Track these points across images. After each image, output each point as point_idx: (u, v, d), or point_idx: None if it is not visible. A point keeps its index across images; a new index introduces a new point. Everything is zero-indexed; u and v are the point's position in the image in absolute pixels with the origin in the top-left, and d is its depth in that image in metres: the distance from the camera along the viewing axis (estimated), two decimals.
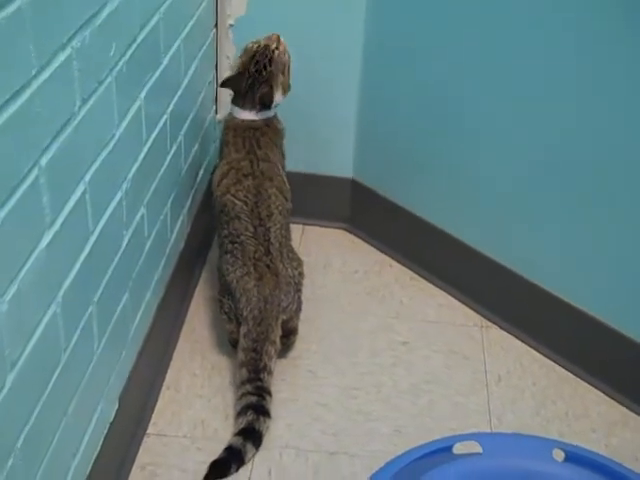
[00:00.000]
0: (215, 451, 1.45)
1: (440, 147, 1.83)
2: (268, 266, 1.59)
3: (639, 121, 1.48)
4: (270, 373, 1.53)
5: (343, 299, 1.88)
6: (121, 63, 1.22)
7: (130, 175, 1.33)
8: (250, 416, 1.46)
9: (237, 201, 1.64)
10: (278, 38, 1.70)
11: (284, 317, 1.59)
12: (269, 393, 1.51)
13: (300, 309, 1.66)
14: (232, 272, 1.60)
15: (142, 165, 1.38)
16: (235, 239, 1.62)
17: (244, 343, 1.54)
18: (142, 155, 1.38)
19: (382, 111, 1.91)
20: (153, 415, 1.54)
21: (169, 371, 1.64)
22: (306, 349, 1.72)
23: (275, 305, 1.57)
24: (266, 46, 1.68)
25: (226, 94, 1.95)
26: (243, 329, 1.56)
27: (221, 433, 1.51)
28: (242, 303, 1.57)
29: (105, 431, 1.32)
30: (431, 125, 1.83)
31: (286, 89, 1.72)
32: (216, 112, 1.97)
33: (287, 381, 1.63)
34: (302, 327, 1.72)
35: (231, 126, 1.72)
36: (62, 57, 0.99)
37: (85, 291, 1.17)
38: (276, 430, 1.52)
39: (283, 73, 1.70)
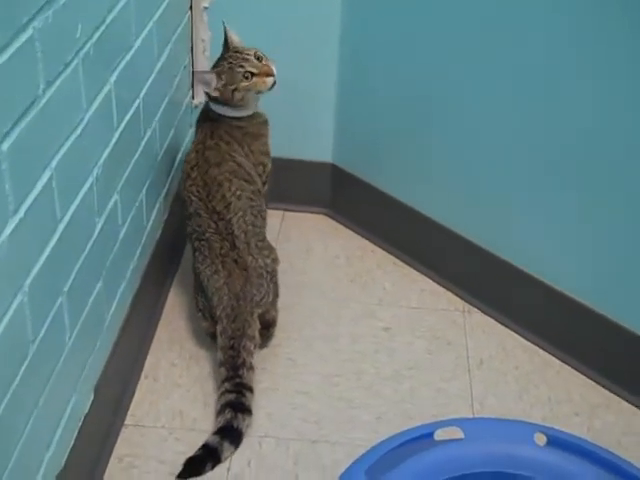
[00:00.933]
0: (194, 441, 1.43)
1: (421, 130, 1.81)
2: (236, 261, 1.54)
3: (619, 107, 1.46)
4: (250, 369, 1.49)
5: (324, 285, 1.85)
6: (88, 45, 1.18)
7: (101, 161, 1.29)
8: (228, 414, 1.43)
9: (192, 196, 1.60)
10: (268, 73, 1.62)
11: (259, 310, 1.55)
12: (249, 389, 1.48)
13: (277, 297, 1.63)
14: (202, 271, 1.56)
15: (114, 150, 1.35)
16: (200, 236, 1.58)
17: (221, 342, 1.51)
18: (114, 140, 1.35)
19: (361, 95, 1.88)
20: (131, 405, 1.51)
21: (147, 361, 1.62)
22: (286, 337, 1.69)
23: (248, 301, 1.53)
24: (248, 53, 1.62)
25: None
26: (219, 328, 1.53)
27: (200, 423, 1.49)
28: (214, 302, 1.54)
29: (80, 422, 1.29)
30: (411, 109, 1.80)
31: (226, 97, 1.62)
32: (192, 97, 1.93)
33: (267, 370, 1.61)
34: (282, 314, 1.70)
35: (200, 118, 1.70)
36: (23, 38, 0.95)
37: (54, 280, 1.14)
38: (256, 420, 1.49)
39: (242, 78, 1.60)
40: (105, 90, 1.29)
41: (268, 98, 1.78)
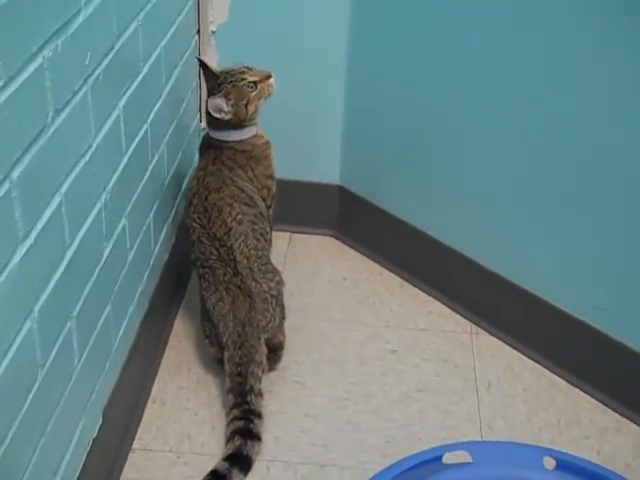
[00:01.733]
0: (202, 466, 1.43)
1: (427, 152, 1.82)
2: (239, 287, 1.54)
3: (620, 121, 1.47)
4: (258, 395, 1.49)
5: (332, 308, 1.85)
6: (97, 72, 1.20)
7: (109, 186, 1.30)
8: (237, 441, 1.43)
9: (194, 223, 1.60)
10: (268, 75, 1.64)
11: (266, 335, 1.55)
12: (258, 415, 1.47)
13: (284, 320, 1.62)
14: (208, 298, 1.57)
15: (122, 175, 1.36)
16: (204, 263, 1.58)
17: (228, 368, 1.51)
18: (122, 165, 1.36)
19: (369, 117, 1.90)
20: (139, 429, 1.51)
21: (155, 384, 1.62)
22: (294, 360, 1.69)
23: (254, 327, 1.53)
24: (239, 69, 1.63)
25: None
26: (226, 354, 1.53)
27: (208, 447, 1.49)
28: (220, 329, 1.54)
29: (88, 447, 1.29)
30: (418, 131, 1.81)
31: (241, 115, 1.63)
32: (200, 120, 1.95)
33: (275, 393, 1.61)
34: (290, 337, 1.70)
35: (202, 145, 1.71)
36: (33, 67, 0.96)
37: (63, 305, 1.15)
38: (264, 444, 1.49)
39: (248, 89, 1.62)
40: (114, 116, 1.30)
41: (276, 121, 1.80)
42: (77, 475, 1.24)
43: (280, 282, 1.61)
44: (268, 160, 1.71)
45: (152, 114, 1.53)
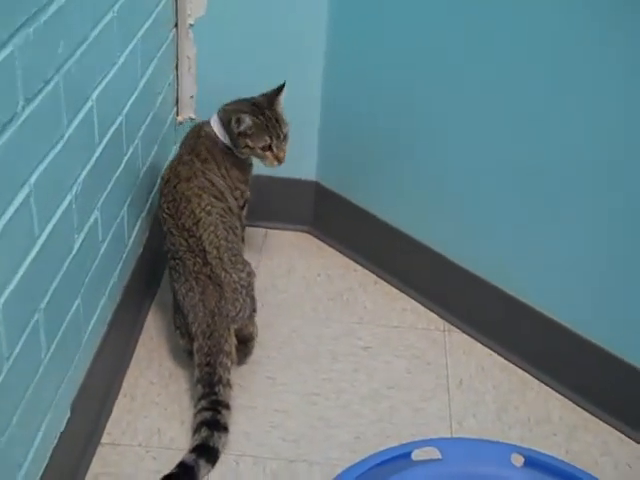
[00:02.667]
0: (170, 460, 1.42)
1: (403, 150, 1.82)
2: (209, 277, 1.54)
3: (603, 121, 1.47)
4: (227, 385, 1.49)
5: (306, 304, 1.85)
6: (70, 62, 1.19)
7: (81, 178, 1.29)
8: (204, 433, 1.42)
9: (164, 214, 1.61)
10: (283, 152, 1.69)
11: (235, 326, 1.55)
12: (226, 406, 1.47)
13: (254, 312, 1.62)
14: (178, 290, 1.56)
15: (95, 167, 1.35)
16: (174, 255, 1.58)
17: (197, 359, 1.51)
18: (94, 157, 1.35)
19: (344, 114, 1.89)
20: (108, 424, 1.50)
21: (125, 379, 1.61)
22: (266, 355, 1.69)
23: (224, 316, 1.53)
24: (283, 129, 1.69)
25: (187, 95, 1.93)
26: (195, 345, 1.52)
27: (177, 442, 1.48)
28: (190, 319, 1.54)
29: (55, 441, 1.28)
30: (394, 128, 1.81)
31: (236, 143, 1.67)
32: (177, 114, 1.94)
33: (245, 388, 1.60)
34: (262, 333, 1.69)
35: (187, 135, 1.73)
36: (2, 55, 0.95)
37: (31, 297, 1.13)
38: (233, 438, 1.49)
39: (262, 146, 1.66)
40: (87, 107, 1.29)
41: None
42: (43, 469, 1.23)
43: (251, 273, 1.60)
44: (245, 172, 1.72)
45: (127, 106, 1.51)
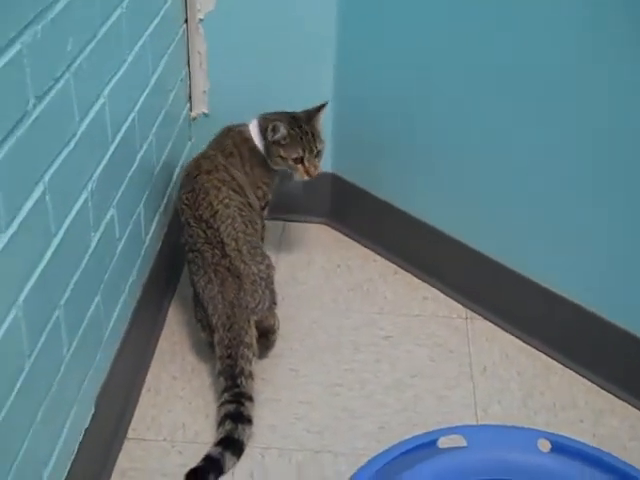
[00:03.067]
0: (196, 454, 1.42)
1: (418, 138, 1.80)
2: (228, 269, 1.54)
3: (618, 107, 1.45)
4: (249, 377, 1.48)
5: (326, 295, 1.85)
6: (80, 59, 1.19)
7: (96, 174, 1.30)
8: (228, 426, 1.42)
9: (182, 205, 1.62)
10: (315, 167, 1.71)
11: (255, 318, 1.54)
12: (249, 398, 1.47)
13: (274, 304, 1.62)
14: (197, 282, 1.57)
15: (109, 164, 1.35)
16: (192, 247, 1.58)
17: (218, 351, 1.51)
18: (109, 154, 1.35)
19: (359, 103, 1.88)
20: (133, 419, 1.51)
21: (149, 374, 1.61)
22: (288, 347, 1.69)
23: (243, 308, 1.53)
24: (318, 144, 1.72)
25: (200, 91, 1.93)
26: (216, 337, 1.52)
27: (202, 435, 1.48)
28: (210, 311, 1.54)
29: (80, 437, 1.29)
30: (408, 116, 1.80)
31: (268, 153, 1.70)
32: (190, 109, 1.94)
33: (269, 381, 1.60)
34: (283, 325, 1.69)
35: (220, 132, 1.75)
36: (11, 53, 0.95)
37: (50, 294, 1.14)
38: (258, 431, 1.49)
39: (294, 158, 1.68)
40: (99, 104, 1.29)
41: (266, 109, 1.79)
42: (69, 465, 1.24)
43: (270, 266, 1.60)
44: (270, 170, 1.73)
45: (139, 103, 1.52)
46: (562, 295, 1.65)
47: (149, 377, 1.60)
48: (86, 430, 1.30)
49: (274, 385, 1.60)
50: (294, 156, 1.68)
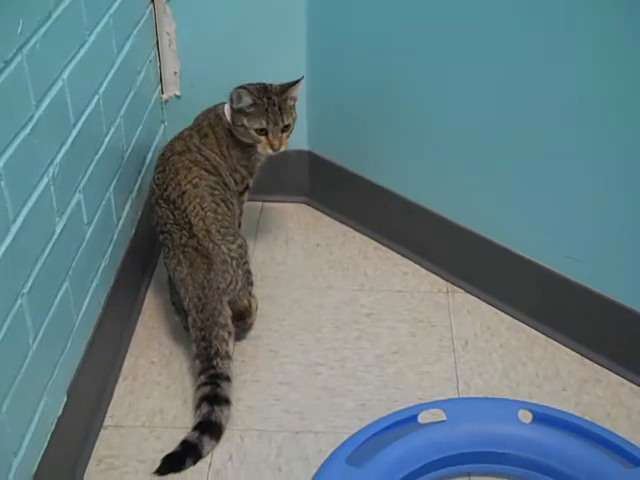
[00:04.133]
0: (174, 439, 1.41)
1: (393, 113, 1.77)
2: (197, 249, 1.51)
3: (588, 71, 1.43)
4: (225, 357, 1.46)
5: (306, 275, 1.83)
6: (33, 41, 1.15)
7: (58, 159, 1.27)
8: (205, 409, 1.40)
9: (154, 185, 1.60)
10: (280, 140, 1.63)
11: (227, 298, 1.52)
12: (226, 379, 1.44)
13: (250, 285, 1.59)
14: (169, 264, 1.55)
15: (73, 148, 1.32)
16: (162, 228, 1.56)
17: (193, 334, 1.49)
18: (71, 138, 1.32)
19: (331, 81, 1.85)
20: (110, 406, 1.49)
21: (126, 360, 1.59)
22: (267, 328, 1.67)
23: (214, 289, 1.50)
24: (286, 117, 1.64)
25: (170, 72, 1.90)
26: (189, 319, 1.50)
27: (180, 420, 1.47)
28: (182, 294, 1.52)
29: (53, 426, 1.27)
30: (382, 89, 1.77)
31: (232, 123, 1.64)
32: (162, 92, 1.91)
33: (247, 362, 1.58)
34: (262, 306, 1.67)
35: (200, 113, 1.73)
36: None
37: (11, 283, 1.11)
38: (237, 413, 1.47)
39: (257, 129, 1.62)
40: (57, 87, 1.26)
41: None
42: (41, 454, 1.22)
43: (242, 246, 1.57)
44: (248, 152, 1.67)
45: (104, 85, 1.49)
46: (544, 265, 1.63)
47: (126, 363, 1.59)
48: (59, 419, 1.29)
49: (253, 366, 1.58)
50: (256, 126, 1.60)
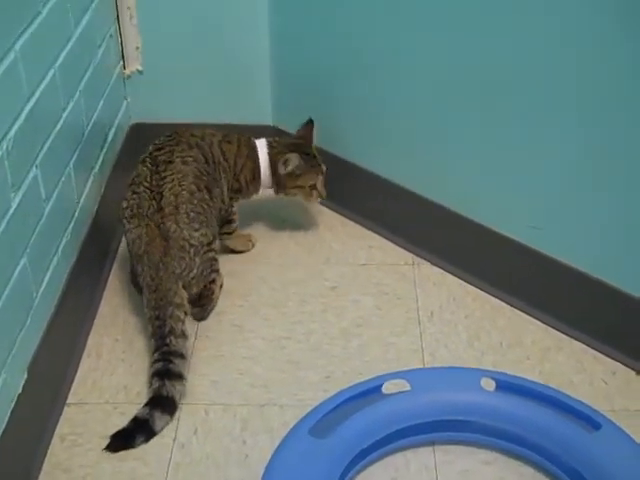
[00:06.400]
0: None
1: (356, 85, 1.76)
2: (159, 227, 1.50)
3: (557, 34, 1.42)
4: (180, 336, 1.44)
5: (271, 251, 1.82)
6: None
7: (11, 133, 1.24)
8: (155, 384, 1.39)
9: (153, 145, 1.61)
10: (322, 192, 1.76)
11: (182, 282, 1.50)
12: (180, 356, 1.43)
13: (212, 272, 1.58)
14: (129, 234, 1.53)
15: (27, 122, 1.30)
16: (135, 188, 1.55)
17: (147, 313, 1.48)
18: (26, 111, 1.30)
19: (294, 55, 1.84)
20: (73, 384, 1.48)
21: (90, 338, 1.58)
22: (231, 304, 1.66)
23: (169, 272, 1.49)
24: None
25: (132, 47, 1.88)
26: (144, 299, 1.49)
27: (144, 396, 1.45)
28: (138, 270, 1.51)
29: (13, 403, 1.26)
30: (345, 63, 1.76)
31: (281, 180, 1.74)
32: (124, 67, 1.88)
33: (211, 338, 1.58)
34: (227, 282, 1.67)
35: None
36: None
37: None
38: (201, 388, 1.47)
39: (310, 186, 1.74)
40: (9, 59, 1.23)
41: (202, 64, 1.74)
42: (0, 432, 1.21)
43: (207, 236, 1.55)
44: (258, 185, 1.74)
45: (60, 59, 1.46)
46: (508, 236, 1.64)
47: (90, 341, 1.57)
48: (19, 396, 1.27)
49: (217, 341, 1.57)
50: (311, 183, 1.71)
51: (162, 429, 1.38)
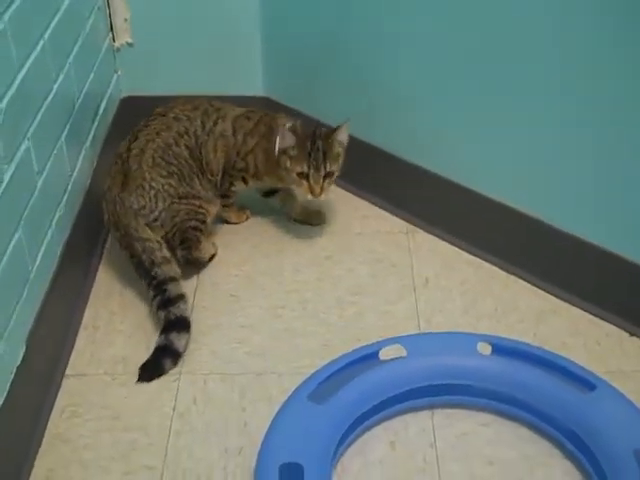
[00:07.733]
0: (138, 385, 1.41)
1: (349, 54, 1.75)
2: (123, 164, 1.53)
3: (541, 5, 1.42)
4: (164, 263, 1.48)
5: (265, 221, 1.82)
6: None
7: (3, 104, 1.24)
8: (162, 314, 1.45)
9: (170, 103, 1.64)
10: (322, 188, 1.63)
11: (144, 221, 1.52)
12: (170, 279, 1.47)
13: (181, 222, 1.57)
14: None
15: (18, 94, 1.29)
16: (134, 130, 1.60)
17: (126, 255, 1.51)
18: (16, 82, 1.29)
19: (286, 25, 1.83)
20: (71, 356, 1.49)
21: (87, 310, 1.58)
22: (226, 274, 1.66)
23: (125, 207, 1.50)
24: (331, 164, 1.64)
25: (121, 19, 1.86)
26: (118, 243, 1.53)
27: None
28: (103, 207, 1.55)
29: (12, 376, 1.26)
30: (337, 32, 1.75)
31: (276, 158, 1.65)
32: (113, 39, 1.87)
33: (208, 307, 1.58)
34: (222, 253, 1.67)
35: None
36: None
37: None
38: (199, 358, 1.48)
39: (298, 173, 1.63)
40: None
41: (193, 35, 1.72)
42: (1, 403, 1.21)
43: (174, 187, 1.55)
44: (272, 168, 1.66)
45: (49, 30, 1.45)
46: (502, 202, 1.64)
47: (87, 313, 1.58)
48: (18, 368, 1.28)
49: (214, 311, 1.58)
50: (298, 170, 1.60)
51: (185, 348, 1.43)
